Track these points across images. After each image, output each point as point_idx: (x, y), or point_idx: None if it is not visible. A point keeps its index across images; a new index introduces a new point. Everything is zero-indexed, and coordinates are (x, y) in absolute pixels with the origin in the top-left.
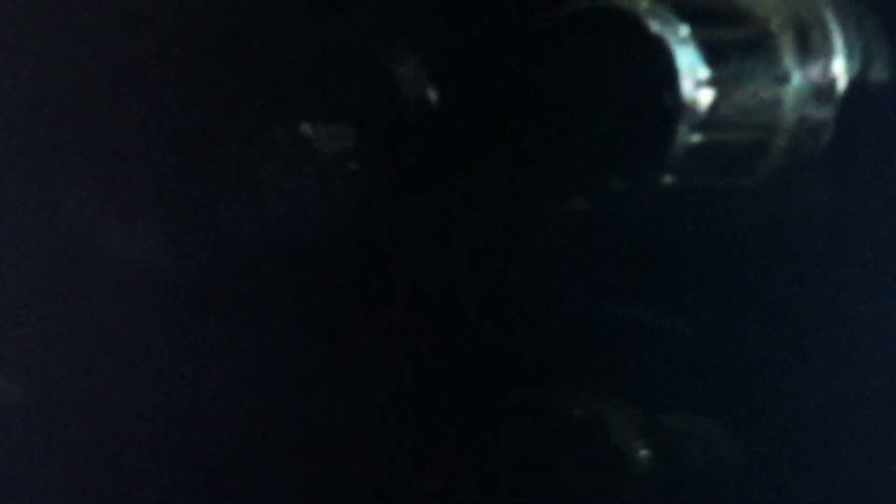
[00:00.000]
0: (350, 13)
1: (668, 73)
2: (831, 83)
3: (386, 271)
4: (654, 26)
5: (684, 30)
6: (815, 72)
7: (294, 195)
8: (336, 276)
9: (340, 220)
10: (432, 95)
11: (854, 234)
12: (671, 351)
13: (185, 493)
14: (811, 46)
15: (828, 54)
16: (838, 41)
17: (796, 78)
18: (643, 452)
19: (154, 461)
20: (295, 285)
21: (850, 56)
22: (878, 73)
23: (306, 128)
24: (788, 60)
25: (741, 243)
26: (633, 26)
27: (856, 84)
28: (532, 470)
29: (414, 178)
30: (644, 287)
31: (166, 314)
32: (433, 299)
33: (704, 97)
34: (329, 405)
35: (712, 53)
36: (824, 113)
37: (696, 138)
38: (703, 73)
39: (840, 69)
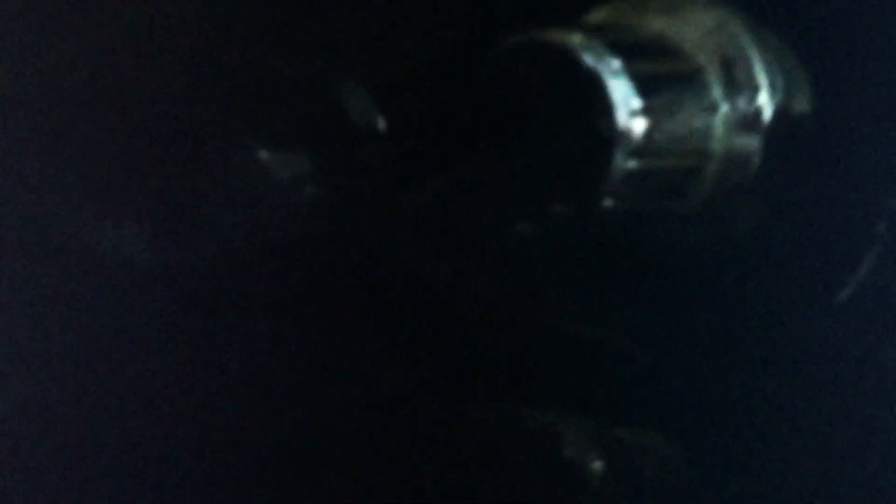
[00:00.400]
0: (303, 47)
1: (602, 104)
2: (757, 113)
3: (343, 289)
4: (589, 60)
5: (616, 63)
6: (741, 102)
7: (253, 215)
8: (296, 292)
9: (301, 237)
10: (381, 124)
11: (784, 254)
12: (622, 365)
13: (173, 490)
14: (736, 79)
15: (752, 86)
16: (761, 74)
17: (724, 108)
18: (597, 465)
19: (139, 460)
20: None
21: (772, 88)
22: (800, 105)
23: (263, 154)
24: (715, 92)
25: (684, 263)
26: (568, 60)
27: (780, 114)
28: (486, 483)
29: (365, 203)
30: (593, 304)
31: (151, 313)
32: (386, 318)
33: (638, 126)
34: (290, 410)
35: (644, 85)
36: (752, 141)
37: (632, 164)
38: (636, 103)
39: (764, 100)
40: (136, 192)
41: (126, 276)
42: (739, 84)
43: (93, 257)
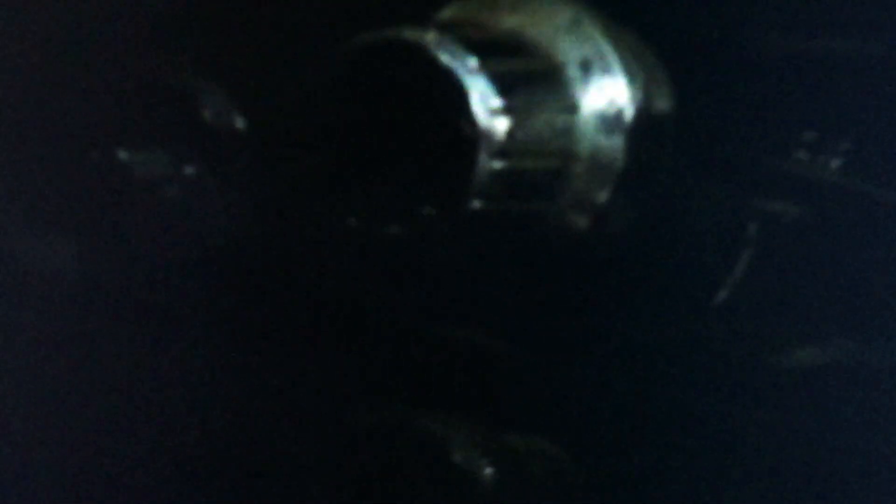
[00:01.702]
0: (158, 44)
1: (462, 104)
2: (618, 113)
3: (224, 293)
4: (444, 59)
5: (472, 61)
6: (601, 102)
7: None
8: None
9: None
10: (239, 124)
11: (658, 256)
12: (509, 370)
13: None
14: (595, 79)
15: (611, 85)
16: (620, 74)
17: (584, 107)
18: (487, 471)
19: (58, 474)
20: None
21: (633, 87)
22: (662, 104)
23: (122, 153)
24: (575, 91)
25: (561, 268)
26: (423, 58)
27: (641, 114)
28: (374, 491)
29: (232, 205)
30: (475, 307)
31: (79, 326)
32: (267, 322)
33: (500, 125)
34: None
35: (502, 84)
36: (615, 142)
37: (496, 164)
38: (496, 102)
39: (625, 100)
40: (59, 203)
41: (54, 289)
42: (597, 83)
43: (20, 271)
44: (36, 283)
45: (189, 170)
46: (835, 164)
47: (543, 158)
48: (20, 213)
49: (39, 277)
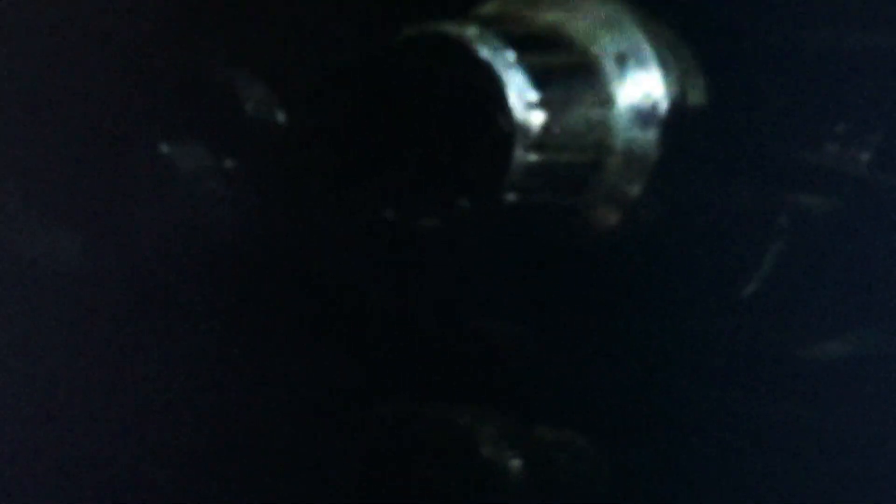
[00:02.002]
0: (202, 36)
1: (499, 97)
2: (653, 107)
3: (251, 284)
4: (484, 52)
5: (511, 55)
6: (636, 96)
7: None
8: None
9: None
10: (280, 117)
11: (686, 249)
12: (540, 364)
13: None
14: (630, 72)
15: (646, 79)
16: (655, 68)
17: (619, 101)
18: (514, 463)
19: (66, 465)
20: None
21: (667, 81)
22: (696, 98)
23: (164, 146)
24: (610, 85)
25: (590, 260)
26: (462, 52)
27: (676, 108)
28: (401, 483)
29: (269, 197)
30: (505, 300)
31: (85, 319)
32: (295, 312)
33: (536, 118)
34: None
35: (539, 78)
36: (649, 135)
37: (532, 158)
38: (533, 95)
39: (660, 94)
40: (62, 197)
41: (60, 283)
42: (633, 76)
43: (26, 265)
44: (41, 276)
45: (229, 163)
46: (865, 157)
47: (578, 152)
48: (29, 206)
49: (44, 271)
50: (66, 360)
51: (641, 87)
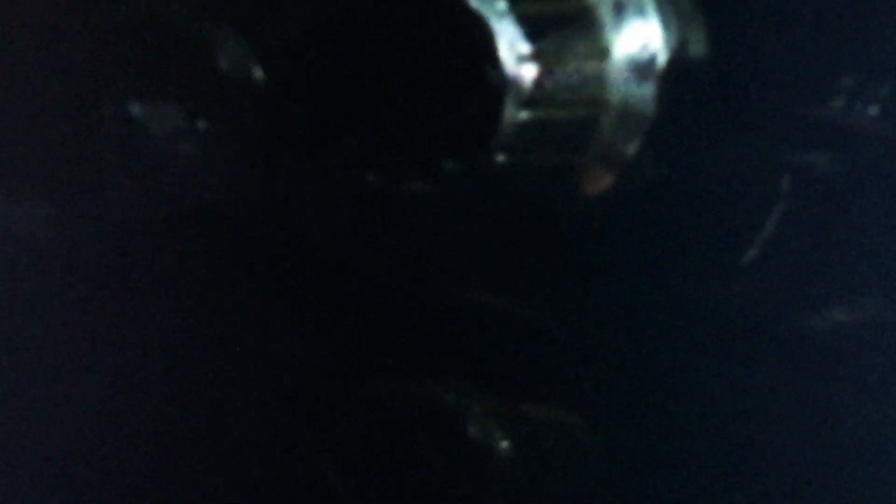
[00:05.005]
0: None
1: (488, 49)
2: (651, 59)
3: (232, 257)
4: (472, 1)
5: (501, 4)
6: (634, 47)
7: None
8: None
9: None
10: (258, 74)
11: (684, 212)
12: (527, 339)
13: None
14: (628, 22)
15: (645, 30)
16: (654, 17)
17: (616, 53)
18: (503, 443)
19: (40, 439)
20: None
21: (667, 32)
22: (696, 50)
23: (135, 107)
24: (606, 35)
25: (589, 225)
26: (451, 1)
27: (675, 60)
28: (387, 462)
29: (246, 160)
30: (493, 271)
31: (56, 291)
32: (279, 290)
33: (528, 72)
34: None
35: (531, 28)
36: (647, 89)
37: (523, 115)
38: (525, 47)
39: (659, 45)
40: (31, 166)
41: (30, 254)
42: (632, 27)
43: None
44: (7, 247)
45: (202, 124)
46: (872, 111)
47: (572, 107)
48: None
49: (11, 241)
50: (37, 334)
51: (639, 37)
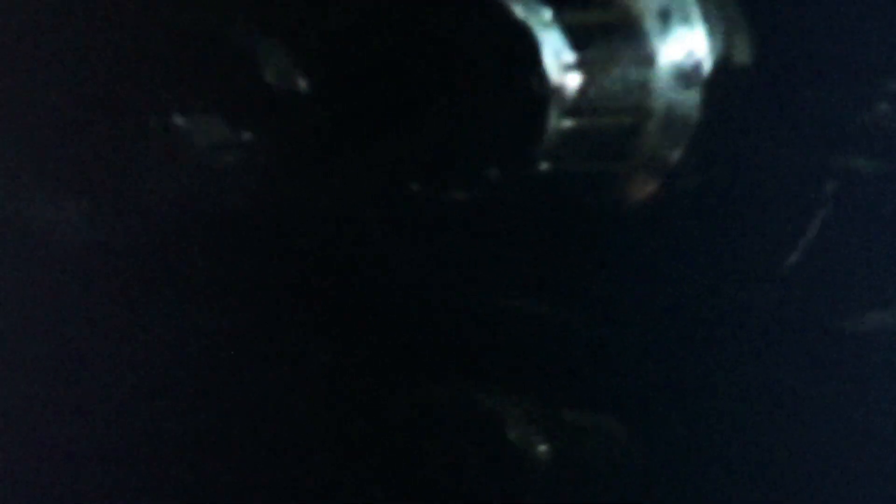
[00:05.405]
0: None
1: (533, 58)
2: (696, 65)
3: (278, 263)
4: (518, 11)
5: (547, 14)
6: (679, 54)
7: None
8: (231, 266)
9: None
10: (302, 86)
11: (729, 217)
12: (569, 344)
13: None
14: (674, 29)
15: (690, 37)
16: (700, 24)
17: (661, 60)
18: (542, 448)
19: (72, 435)
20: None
21: (712, 39)
22: (742, 56)
23: (178, 119)
24: (652, 43)
25: (632, 232)
26: (495, 10)
27: (720, 66)
28: (427, 467)
29: (290, 170)
30: (535, 278)
31: (90, 290)
32: (321, 297)
33: (572, 81)
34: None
35: (576, 37)
36: (692, 95)
37: (567, 123)
38: (569, 56)
39: (704, 52)
40: (70, 169)
41: (66, 255)
42: (676, 34)
43: (32, 237)
44: (47, 247)
45: (247, 135)
46: None
47: (616, 116)
48: (36, 176)
49: (49, 242)
50: (72, 333)
51: (684, 44)
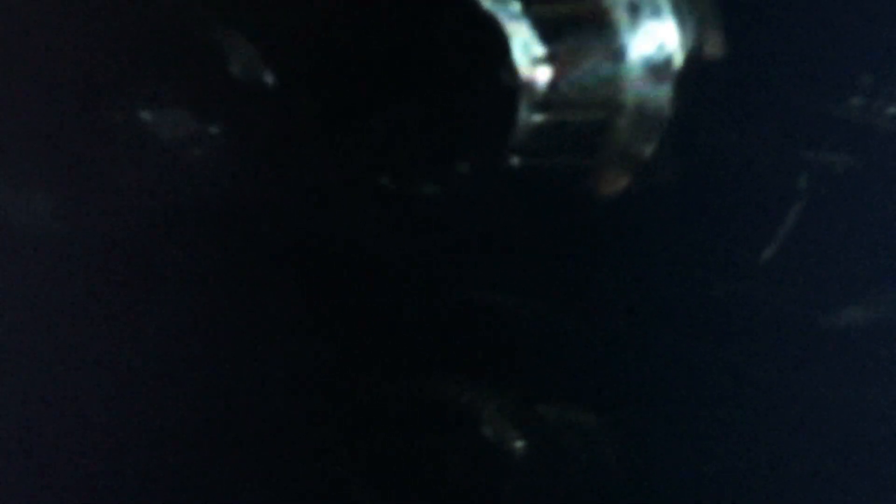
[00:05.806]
0: None
1: (502, 51)
2: (667, 59)
3: (248, 256)
4: (487, 3)
5: (515, 6)
6: (649, 48)
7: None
8: (202, 258)
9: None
10: (269, 79)
11: (702, 212)
12: (543, 339)
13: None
14: (644, 22)
15: (661, 30)
16: (670, 17)
17: (632, 54)
18: (518, 444)
19: (46, 431)
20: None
21: (683, 32)
22: (713, 50)
23: (145, 113)
24: (622, 36)
25: (605, 226)
26: (465, 3)
27: (691, 61)
28: (402, 463)
29: (258, 163)
30: (509, 273)
31: (64, 283)
32: (290, 292)
33: (542, 75)
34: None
35: (546, 30)
36: (663, 91)
37: (537, 118)
38: (539, 49)
39: (675, 46)
40: (37, 162)
41: (33, 248)
42: (647, 27)
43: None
44: (14, 239)
45: (214, 129)
46: (892, 110)
47: (587, 110)
48: (3, 167)
49: (16, 235)
50: (41, 328)
51: (655, 38)
